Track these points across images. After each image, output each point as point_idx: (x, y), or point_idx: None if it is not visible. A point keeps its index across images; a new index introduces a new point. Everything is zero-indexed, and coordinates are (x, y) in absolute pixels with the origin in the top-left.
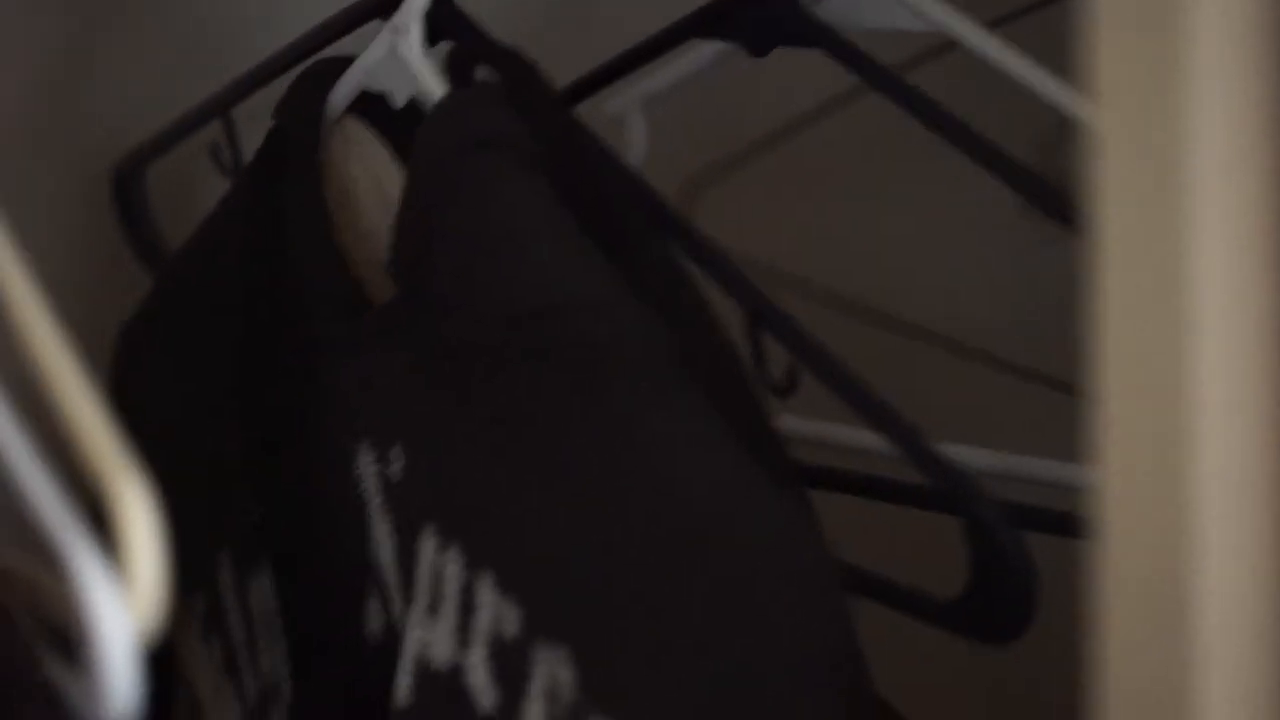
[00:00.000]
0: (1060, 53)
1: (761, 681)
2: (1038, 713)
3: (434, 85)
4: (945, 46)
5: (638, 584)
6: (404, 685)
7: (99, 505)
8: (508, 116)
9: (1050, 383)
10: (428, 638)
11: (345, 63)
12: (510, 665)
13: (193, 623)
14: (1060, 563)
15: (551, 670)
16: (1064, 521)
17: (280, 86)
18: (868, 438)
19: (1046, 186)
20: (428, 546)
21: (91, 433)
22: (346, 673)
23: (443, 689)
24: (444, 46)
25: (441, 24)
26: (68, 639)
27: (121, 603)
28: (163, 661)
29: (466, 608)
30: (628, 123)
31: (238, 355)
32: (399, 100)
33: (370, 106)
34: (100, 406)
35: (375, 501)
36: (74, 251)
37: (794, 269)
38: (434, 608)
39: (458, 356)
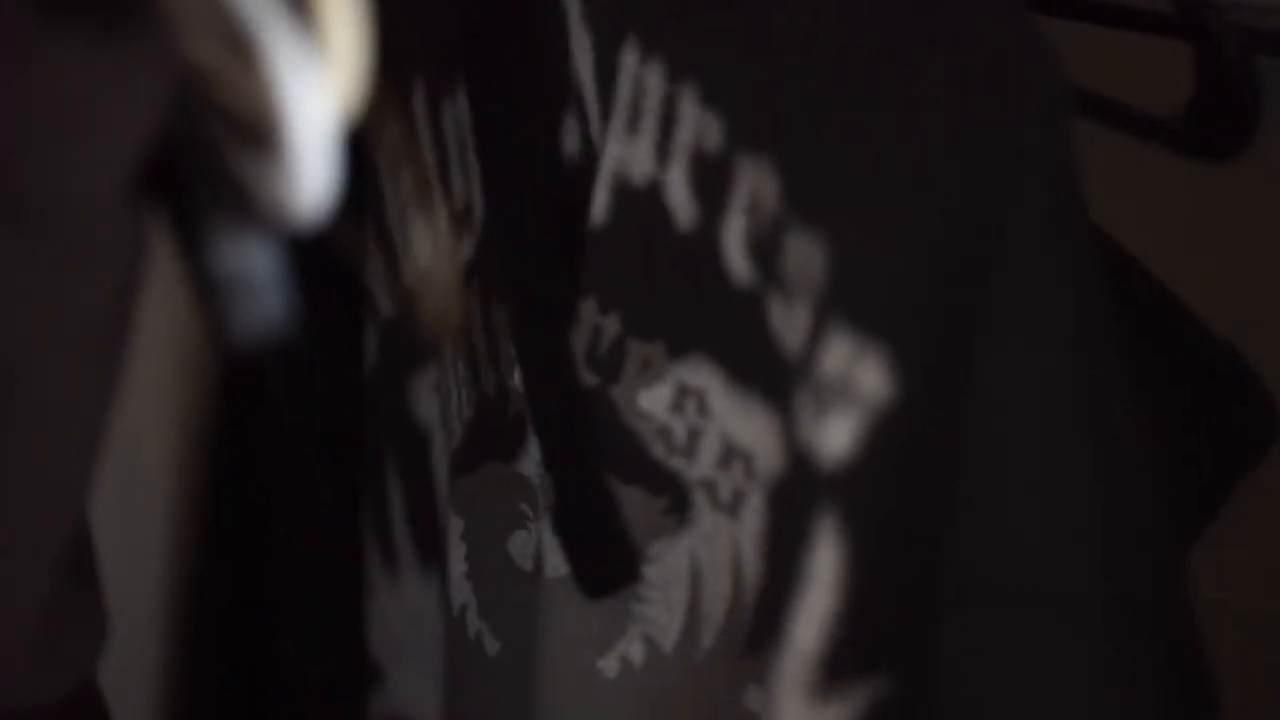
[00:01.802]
0: None
1: (980, 167)
2: None
3: None
4: None
5: (859, 95)
6: (601, 204)
7: None
8: None
9: None
10: (626, 155)
11: None
12: (711, 179)
13: (383, 147)
14: None
15: (754, 183)
16: None
17: None
18: None
19: None
20: (629, 60)
21: None
22: (541, 192)
23: (641, 206)
24: None
25: None
26: (261, 133)
27: (318, 85)
28: (359, 173)
29: (668, 121)
30: None
31: None
32: None
33: None
34: None
35: (575, 15)
36: None
37: None
38: (633, 124)
39: None
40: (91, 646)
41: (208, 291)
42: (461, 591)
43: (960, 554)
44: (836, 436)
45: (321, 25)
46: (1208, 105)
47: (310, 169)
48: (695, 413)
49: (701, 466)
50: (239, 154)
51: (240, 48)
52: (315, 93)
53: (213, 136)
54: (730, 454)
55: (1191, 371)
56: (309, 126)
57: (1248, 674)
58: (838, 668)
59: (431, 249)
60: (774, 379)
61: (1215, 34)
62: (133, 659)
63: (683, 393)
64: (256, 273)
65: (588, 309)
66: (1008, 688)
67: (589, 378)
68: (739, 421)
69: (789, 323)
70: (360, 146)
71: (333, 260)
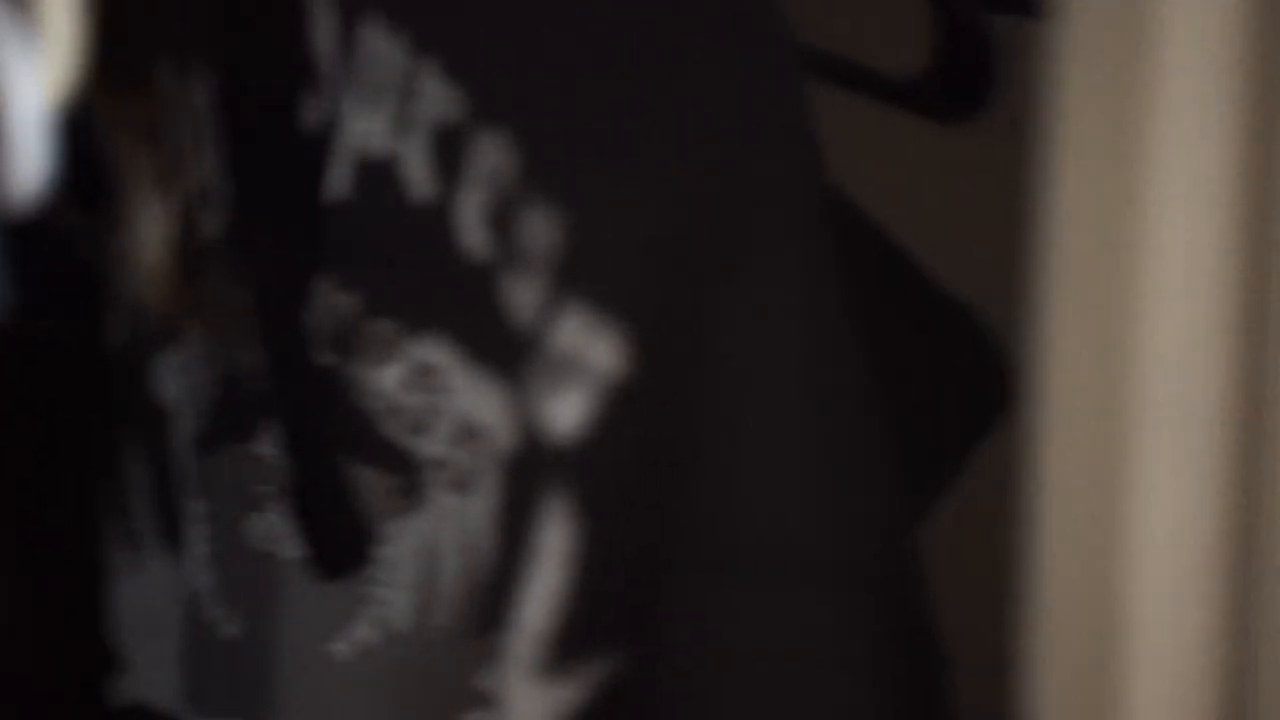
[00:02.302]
0: None
1: (723, 144)
2: None
3: None
4: None
5: (596, 69)
6: (339, 176)
7: None
8: None
9: None
10: (365, 129)
11: None
12: (449, 152)
13: (121, 125)
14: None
15: (493, 156)
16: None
17: None
18: None
19: None
20: (370, 34)
21: None
22: (278, 167)
23: (379, 180)
24: None
25: None
26: None
27: (33, 70)
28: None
29: (407, 95)
30: None
31: None
32: None
33: None
34: None
35: None
36: None
37: None
38: (374, 98)
39: None
40: None
41: None
42: (203, 574)
43: (690, 526)
44: (568, 412)
45: (38, 9)
46: (944, 66)
47: (26, 152)
48: (430, 390)
49: (435, 445)
50: None
51: None
52: (30, 77)
53: None
54: (465, 432)
55: (929, 337)
56: (24, 109)
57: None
58: (568, 646)
59: (172, 228)
60: (508, 355)
61: None
62: None
63: (419, 371)
64: None
65: (326, 286)
66: (739, 655)
67: (326, 356)
68: (474, 399)
69: (523, 297)
70: (96, 125)
71: (63, 241)
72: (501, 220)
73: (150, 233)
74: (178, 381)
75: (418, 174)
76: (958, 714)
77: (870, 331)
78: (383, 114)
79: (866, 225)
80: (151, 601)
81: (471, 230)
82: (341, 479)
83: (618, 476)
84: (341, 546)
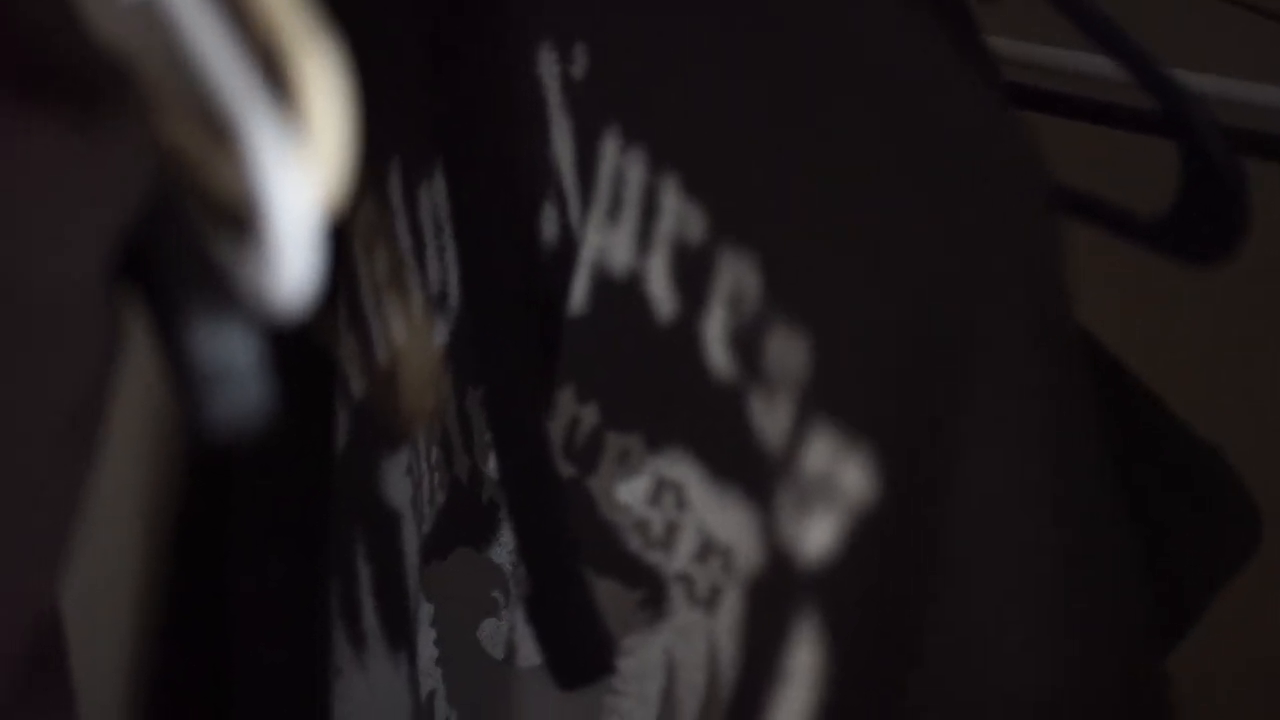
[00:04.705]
0: None
1: (966, 268)
2: None
3: None
4: None
5: (840, 188)
6: (580, 292)
7: (280, 75)
8: None
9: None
10: (606, 244)
11: None
12: (692, 270)
13: (359, 229)
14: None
15: (736, 275)
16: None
17: None
18: (1079, 58)
19: None
20: (610, 148)
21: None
22: (518, 278)
23: (621, 296)
24: None
25: None
26: (240, 219)
27: (300, 172)
28: (334, 255)
29: (649, 212)
30: None
31: None
32: None
33: None
34: None
35: (555, 102)
36: None
37: None
38: (614, 213)
39: None
40: None
41: (183, 380)
42: (430, 677)
43: (935, 658)
44: (818, 535)
45: (303, 110)
46: (1194, 206)
47: (290, 256)
48: (673, 506)
49: (679, 560)
50: (218, 240)
51: (220, 132)
52: (296, 179)
53: (191, 222)
54: (708, 548)
55: (1176, 477)
56: (289, 213)
57: None
58: None
59: (406, 332)
60: (754, 474)
61: (1200, 133)
62: None
63: (661, 485)
64: (234, 361)
65: (565, 398)
66: None
67: (566, 468)
68: (718, 516)
69: (770, 418)
70: (335, 226)
71: (306, 342)
72: (746, 339)
73: (389, 335)
74: (404, 485)
75: (660, 291)
76: None
77: (1120, 467)
78: (624, 230)
79: (1112, 362)
80: (376, 702)
81: (715, 349)
82: (583, 589)
83: (868, 602)
84: (582, 656)
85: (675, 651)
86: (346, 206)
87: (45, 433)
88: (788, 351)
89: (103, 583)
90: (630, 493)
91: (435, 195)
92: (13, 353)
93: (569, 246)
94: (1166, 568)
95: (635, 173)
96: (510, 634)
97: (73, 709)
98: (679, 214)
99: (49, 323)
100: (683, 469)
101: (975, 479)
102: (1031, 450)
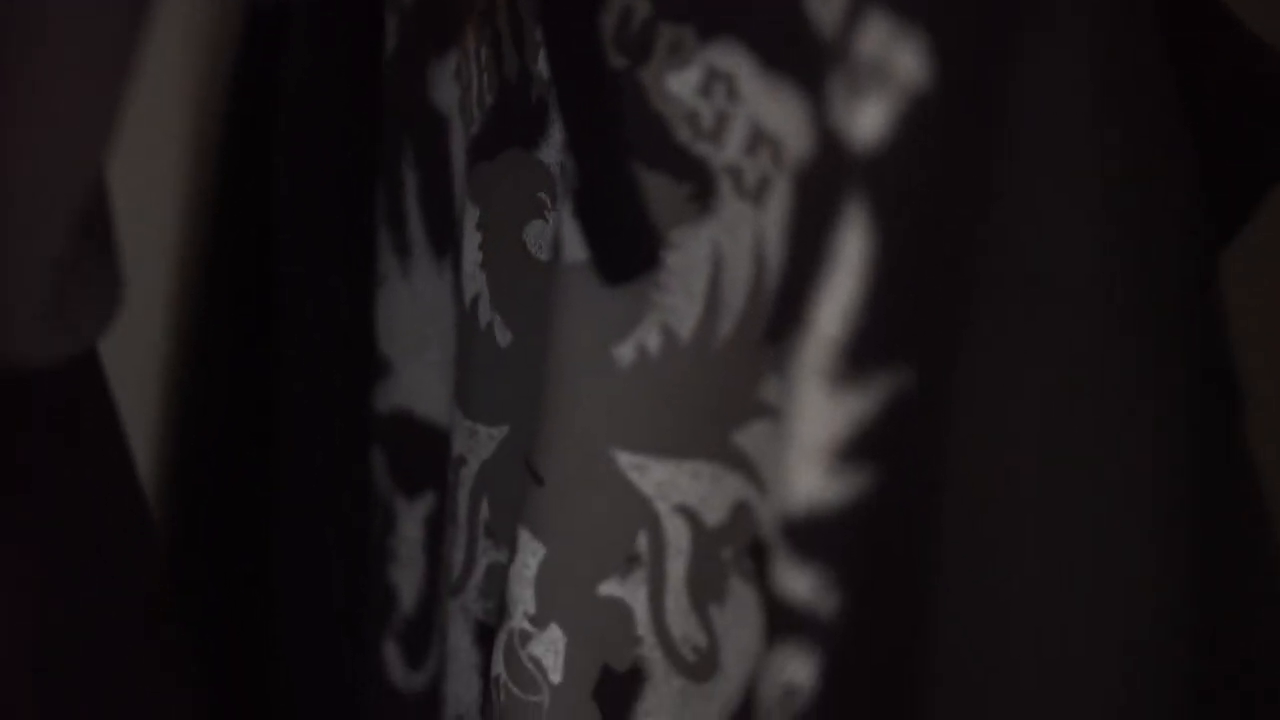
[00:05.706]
0: None
1: None
2: None
3: None
4: None
5: None
6: None
7: None
8: None
9: None
10: None
11: None
12: None
13: None
14: None
15: None
16: None
17: None
18: None
19: None
20: None
21: None
22: None
23: None
24: None
25: None
26: None
27: None
28: None
29: None
30: None
31: None
32: None
33: None
34: None
35: None
36: None
37: None
38: None
39: None
40: (101, 312)
41: None
42: (474, 281)
43: (992, 248)
44: (870, 120)
45: None
46: None
47: None
48: (724, 97)
49: (728, 152)
50: None
51: None
52: None
53: None
54: (758, 139)
55: (1236, 74)
56: None
57: None
58: (860, 355)
59: None
60: (806, 61)
61: None
62: (137, 333)
63: (712, 76)
64: None
65: None
66: (1034, 382)
67: (617, 59)
68: (769, 106)
69: (825, 5)
70: None
71: None
72: None
73: None
74: (453, 88)
75: None
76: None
77: (1175, 61)
78: None
79: None
80: (421, 308)
81: None
82: (632, 182)
83: (918, 189)
84: (630, 251)
85: (722, 245)
86: None
87: None
88: None
89: (149, 154)
90: (681, 83)
91: None
92: None
93: None
94: (1221, 160)
95: None
96: (557, 233)
97: (116, 290)
98: None
99: None
100: (735, 59)
101: (1031, 86)
102: (1090, 68)
